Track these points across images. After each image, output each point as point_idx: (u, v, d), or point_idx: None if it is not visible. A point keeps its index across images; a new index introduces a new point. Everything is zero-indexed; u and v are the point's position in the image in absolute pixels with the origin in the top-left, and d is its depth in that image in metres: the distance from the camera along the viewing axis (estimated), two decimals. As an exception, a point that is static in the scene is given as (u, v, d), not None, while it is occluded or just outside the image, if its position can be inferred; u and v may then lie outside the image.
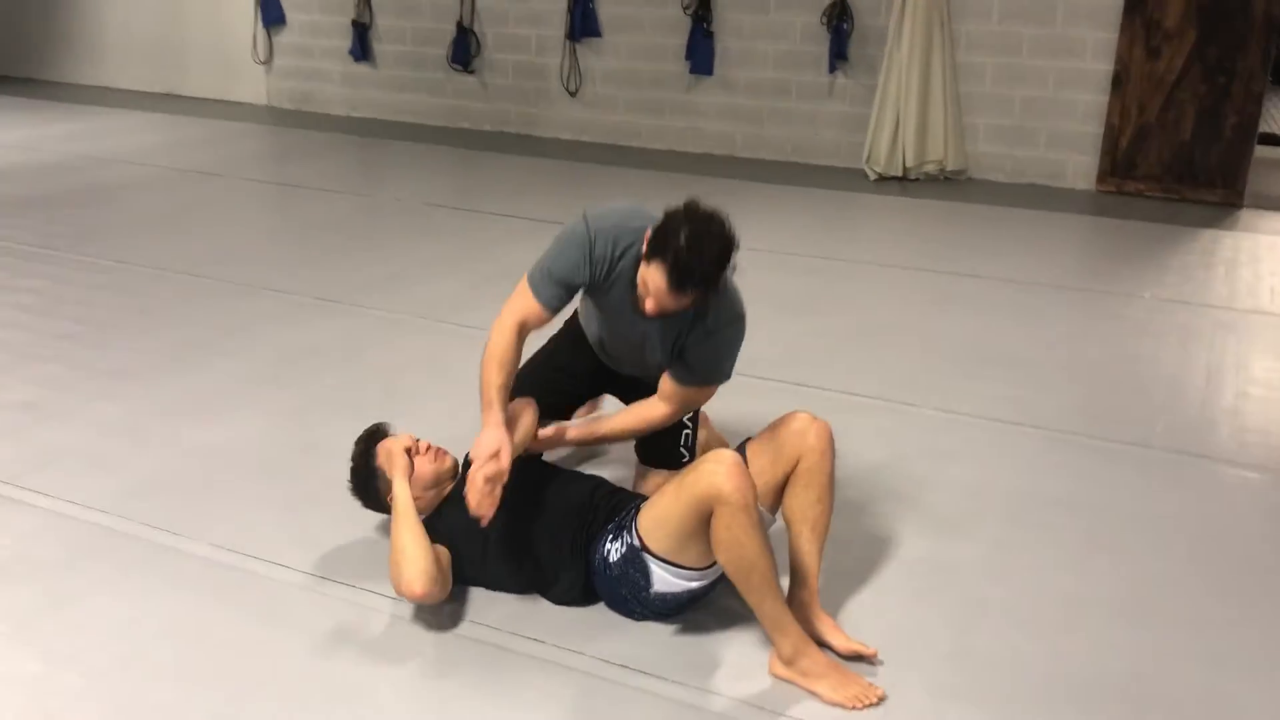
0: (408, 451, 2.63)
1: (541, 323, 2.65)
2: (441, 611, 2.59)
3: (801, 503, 2.54)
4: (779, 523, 2.63)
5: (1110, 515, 3.14)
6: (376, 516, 2.85)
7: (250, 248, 5.76)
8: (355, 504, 2.78)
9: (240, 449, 3.43)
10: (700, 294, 2.42)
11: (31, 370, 4.00)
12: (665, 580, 2.47)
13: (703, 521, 2.31)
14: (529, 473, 2.69)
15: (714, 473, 2.28)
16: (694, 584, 2.48)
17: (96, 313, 4.62)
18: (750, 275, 5.24)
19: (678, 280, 2.35)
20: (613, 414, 2.84)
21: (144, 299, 4.82)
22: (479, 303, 4.62)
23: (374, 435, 2.76)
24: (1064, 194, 7.14)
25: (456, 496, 2.59)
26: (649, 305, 2.43)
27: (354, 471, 2.74)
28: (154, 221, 6.24)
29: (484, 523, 2.47)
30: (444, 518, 2.65)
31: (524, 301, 2.61)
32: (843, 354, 4.33)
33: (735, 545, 2.28)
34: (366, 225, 6.19)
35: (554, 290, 2.60)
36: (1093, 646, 2.54)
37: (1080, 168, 7.27)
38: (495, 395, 2.56)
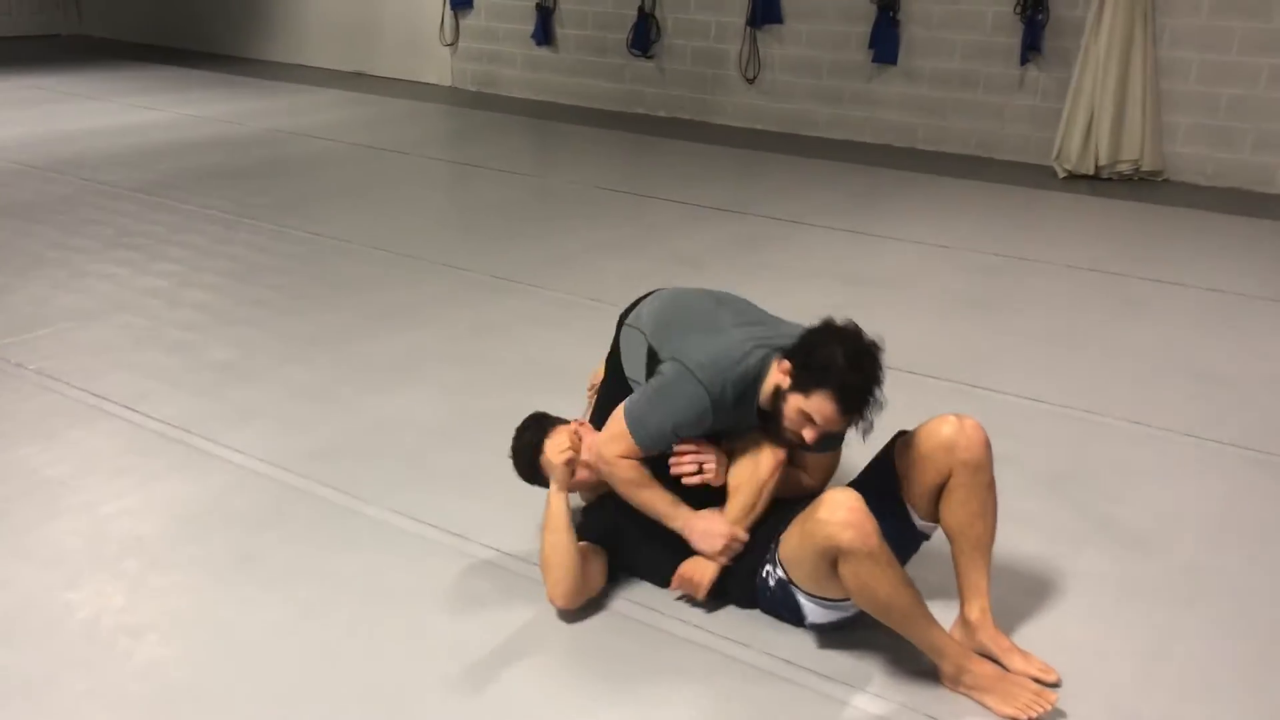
0: (569, 464, 2.54)
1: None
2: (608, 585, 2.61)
3: (960, 519, 2.41)
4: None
5: (1318, 546, 2.93)
6: (542, 491, 2.87)
7: (431, 225, 5.93)
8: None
9: (417, 418, 3.54)
10: (865, 414, 2.40)
11: (229, 332, 4.22)
12: (817, 613, 2.42)
13: (832, 565, 2.24)
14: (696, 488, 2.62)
15: (828, 523, 2.20)
16: (847, 614, 2.41)
17: (289, 281, 4.84)
18: (927, 272, 5.20)
19: (848, 407, 2.37)
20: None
21: (332, 269, 5.03)
22: (647, 286, 4.59)
23: (539, 427, 2.71)
24: (1271, 200, 6.69)
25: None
26: (811, 435, 2.42)
27: (519, 462, 2.73)
28: (344, 195, 6.51)
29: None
30: (605, 509, 2.64)
31: (630, 449, 2.51)
32: (1021, 356, 4.16)
33: (865, 590, 2.22)
34: (540, 207, 6.30)
35: (670, 442, 2.54)
36: (1295, 685, 2.37)
37: (1291, 172, 6.81)
38: (672, 506, 2.52)
